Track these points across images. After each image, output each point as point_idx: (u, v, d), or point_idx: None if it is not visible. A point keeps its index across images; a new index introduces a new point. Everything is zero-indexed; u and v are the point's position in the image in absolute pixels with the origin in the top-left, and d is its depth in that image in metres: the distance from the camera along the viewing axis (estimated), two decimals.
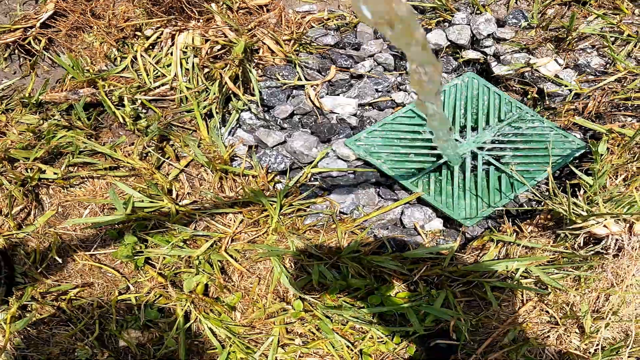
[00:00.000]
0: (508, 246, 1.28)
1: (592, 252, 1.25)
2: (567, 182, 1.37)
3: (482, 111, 1.50)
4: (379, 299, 1.22)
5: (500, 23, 1.63)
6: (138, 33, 1.64)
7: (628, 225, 1.24)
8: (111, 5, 1.69)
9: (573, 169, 1.37)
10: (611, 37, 1.59)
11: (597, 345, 1.21)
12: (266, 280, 1.28)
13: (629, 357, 1.22)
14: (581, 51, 1.55)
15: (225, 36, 1.59)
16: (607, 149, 1.37)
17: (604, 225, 1.23)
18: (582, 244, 1.26)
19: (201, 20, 1.63)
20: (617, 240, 1.24)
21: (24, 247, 1.36)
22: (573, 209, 1.24)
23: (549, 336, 1.21)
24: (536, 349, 1.20)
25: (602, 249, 1.25)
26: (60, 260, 1.34)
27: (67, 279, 1.35)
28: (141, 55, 1.60)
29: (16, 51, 1.72)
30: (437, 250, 1.30)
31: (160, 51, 1.61)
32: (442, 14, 1.66)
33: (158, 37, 1.63)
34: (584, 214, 1.20)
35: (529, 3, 1.66)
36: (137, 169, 1.44)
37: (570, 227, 1.24)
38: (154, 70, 1.59)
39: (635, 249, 1.23)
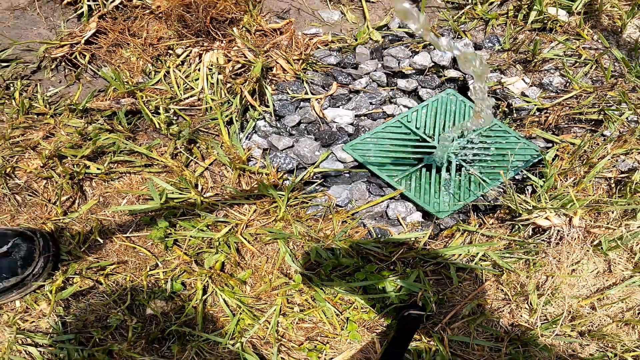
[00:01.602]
0: (472, 235, 1.44)
1: (538, 241, 1.43)
2: (526, 182, 1.54)
3: (458, 122, 1.69)
4: (364, 275, 1.39)
5: (478, 46, 1.79)
6: (170, 51, 1.80)
7: (568, 218, 1.43)
8: (145, 25, 1.84)
9: (525, 172, 1.53)
10: (570, 60, 1.71)
11: (542, 318, 1.40)
12: (273, 259, 1.44)
13: (571, 330, 1.42)
14: (545, 72, 1.70)
15: (245, 56, 1.75)
16: (557, 156, 1.53)
17: (546, 218, 1.43)
18: (530, 234, 1.43)
19: (224, 42, 1.78)
20: (558, 231, 1.43)
21: (69, 230, 1.51)
22: (521, 205, 1.44)
23: (503, 310, 1.36)
24: (492, 321, 1.37)
25: (546, 238, 1.43)
26: (101, 241, 1.48)
27: (105, 257, 1.49)
28: (173, 71, 1.75)
29: (62, 63, 1.85)
30: (413, 237, 1.46)
31: (189, 67, 1.76)
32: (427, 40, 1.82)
33: (187, 55, 1.78)
34: (530, 208, 1.40)
35: (503, 29, 1.80)
36: (169, 167, 1.59)
37: (518, 219, 1.44)
38: (183, 84, 1.74)
39: (574, 239, 1.41)
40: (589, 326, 1.37)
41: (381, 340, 1.36)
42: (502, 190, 1.53)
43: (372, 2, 1.93)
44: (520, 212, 1.40)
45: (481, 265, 1.40)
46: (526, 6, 1.79)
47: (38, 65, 1.85)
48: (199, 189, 1.58)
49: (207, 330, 1.40)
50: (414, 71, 1.79)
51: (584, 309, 1.38)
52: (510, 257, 1.40)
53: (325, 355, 1.36)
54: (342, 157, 1.64)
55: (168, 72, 1.79)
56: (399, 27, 1.86)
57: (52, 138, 1.67)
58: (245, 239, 1.48)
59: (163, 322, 1.42)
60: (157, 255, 1.50)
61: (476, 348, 1.34)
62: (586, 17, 1.80)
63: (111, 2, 1.90)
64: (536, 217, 1.38)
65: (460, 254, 1.41)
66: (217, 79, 1.74)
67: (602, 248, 1.41)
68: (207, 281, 1.45)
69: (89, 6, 1.92)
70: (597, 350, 1.35)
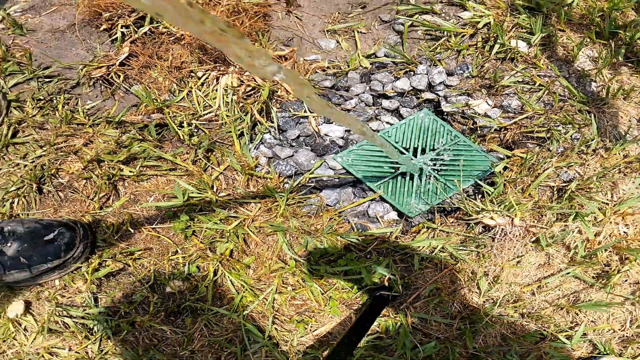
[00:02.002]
0: (435, 231, 1.68)
1: (487, 237, 1.66)
2: (482, 188, 1.76)
3: (430, 138, 1.90)
4: (345, 261, 1.64)
5: (450, 73, 2.01)
6: (192, 74, 2.03)
7: (511, 219, 1.69)
8: (171, 50, 2.08)
9: (477, 181, 1.78)
10: (526, 86, 1.94)
11: (489, 301, 1.64)
12: (272, 248, 1.69)
13: (514, 311, 1.67)
14: (505, 95, 1.92)
15: (255, 80, 1.99)
16: (506, 167, 1.78)
17: (491, 218, 1.69)
18: (481, 231, 1.70)
19: (237, 67, 2.04)
20: (502, 229, 1.69)
21: (104, 222, 1.76)
22: (472, 207, 1.71)
23: (456, 293, 1.60)
24: (447, 302, 1.59)
25: (493, 235, 1.69)
26: (131, 231, 1.73)
27: (134, 244, 1.73)
28: (194, 90, 1.99)
29: (99, 81, 2.09)
30: (387, 232, 1.72)
31: (208, 88, 2.00)
32: (408, 66, 2.03)
33: (206, 78, 2.01)
34: (478, 210, 1.67)
35: (472, 58, 2.02)
36: (190, 171, 1.83)
37: (470, 219, 1.71)
38: (203, 102, 1.97)
39: (515, 236, 1.67)
40: (529, 309, 1.59)
41: (357, 315, 1.60)
42: (466, 195, 1.79)
43: (363, 33, 2.16)
44: (471, 213, 1.67)
45: (440, 255, 1.63)
46: (492, 39, 2.02)
47: (77, 82, 2.08)
48: (215, 189, 1.81)
49: (216, 306, 1.63)
50: (395, 93, 2.02)
51: (526, 294, 1.59)
52: (464, 250, 1.64)
53: (311, 327, 1.60)
54: (333, 165, 1.89)
55: (190, 92, 2.01)
56: (385, 56, 2.08)
57: (91, 145, 1.90)
58: (250, 231, 1.72)
59: (179, 299, 1.66)
60: (178, 244, 1.73)
61: (433, 324, 1.58)
62: (544, 48, 2.00)
63: (141, 29, 2.14)
64: (483, 217, 1.65)
65: (424, 246, 1.65)
66: (232, 99, 1.97)
67: (541, 244, 1.61)
68: (218, 265, 1.68)
69: (122, 32, 2.15)
70: (535, 329, 1.56)
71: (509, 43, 2.01)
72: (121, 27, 2.17)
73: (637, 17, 2.01)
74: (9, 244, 1.62)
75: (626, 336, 1.56)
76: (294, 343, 1.59)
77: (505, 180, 1.73)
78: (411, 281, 1.63)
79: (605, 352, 1.55)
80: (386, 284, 1.60)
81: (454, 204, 1.75)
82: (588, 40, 2.03)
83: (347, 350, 1.41)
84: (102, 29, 2.20)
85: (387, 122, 1.98)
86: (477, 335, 1.56)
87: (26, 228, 1.66)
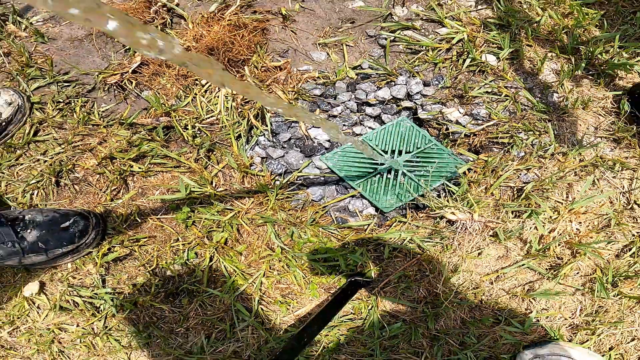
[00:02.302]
0: (405, 225, 1.83)
1: (449, 230, 1.81)
2: (449, 187, 1.92)
3: (406, 142, 2.06)
4: (325, 249, 1.80)
5: (426, 84, 2.16)
6: (197, 81, 2.19)
7: (471, 214, 1.86)
8: None
9: (444, 181, 1.94)
10: (494, 96, 2.10)
11: (451, 288, 1.76)
12: (262, 237, 1.84)
13: (474, 297, 1.84)
14: (475, 104, 2.07)
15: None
16: (470, 169, 1.94)
17: (452, 214, 1.87)
18: (444, 225, 1.85)
19: (237, 77, 2.19)
20: (463, 223, 1.86)
21: (115, 212, 1.93)
22: (436, 203, 1.87)
23: (422, 280, 1.75)
24: (414, 287, 1.73)
25: (455, 228, 1.83)
26: (138, 220, 1.90)
27: (140, 232, 1.89)
28: (199, 97, 2.15)
29: (113, 87, 2.26)
30: (364, 225, 1.88)
31: (210, 94, 2.16)
32: (390, 77, 2.19)
33: (209, 86, 2.18)
34: (441, 206, 1.85)
35: (447, 70, 2.17)
36: (192, 168, 1.99)
37: (435, 213, 1.88)
38: (206, 107, 2.13)
39: (475, 230, 1.83)
40: (487, 296, 1.73)
41: (332, 297, 1.77)
42: (437, 193, 1.96)
43: (351, 46, 2.31)
44: (435, 208, 1.85)
45: (409, 246, 1.78)
46: (466, 53, 2.17)
47: (93, 87, 2.26)
48: (213, 185, 1.97)
49: (210, 288, 1.79)
50: (377, 102, 2.18)
51: (485, 283, 1.74)
52: (430, 242, 1.78)
53: (293, 307, 1.76)
54: (319, 165, 2.05)
55: (195, 98, 2.17)
56: (369, 67, 2.24)
57: (105, 144, 2.08)
58: (243, 222, 1.87)
59: (178, 282, 1.82)
60: (179, 232, 1.89)
61: (401, 307, 1.73)
62: (512, 62, 2.16)
63: None
64: (445, 212, 1.82)
65: (395, 238, 1.80)
66: (231, 105, 2.13)
67: (500, 238, 1.76)
68: (214, 252, 1.83)
69: None
70: (491, 314, 1.71)
71: (480, 57, 2.16)
72: None
73: (600, 33, 2.17)
74: (28, 231, 1.78)
75: (575, 323, 1.70)
76: (277, 322, 1.76)
77: (469, 181, 1.89)
78: (382, 268, 1.77)
79: (555, 337, 1.68)
80: (358, 270, 1.78)
81: (422, 201, 1.92)
82: (553, 54, 2.18)
83: (320, 324, 1.58)
84: (117, 39, 2.37)
85: (370, 127, 2.13)
86: (438, 318, 1.72)
87: (45, 216, 1.83)
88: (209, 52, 2.24)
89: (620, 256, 1.77)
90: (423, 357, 1.68)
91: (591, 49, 2.11)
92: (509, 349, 1.69)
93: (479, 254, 1.79)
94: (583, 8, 2.24)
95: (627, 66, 2.05)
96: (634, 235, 1.79)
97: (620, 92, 2.04)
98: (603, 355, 1.65)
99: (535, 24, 2.23)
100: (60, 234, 1.82)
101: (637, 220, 1.81)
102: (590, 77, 2.11)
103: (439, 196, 1.89)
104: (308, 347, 1.71)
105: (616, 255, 1.78)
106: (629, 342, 1.67)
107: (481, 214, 1.81)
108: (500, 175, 1.88)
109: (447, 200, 1.84)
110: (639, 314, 1.69)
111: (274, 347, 1.74)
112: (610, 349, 1.67)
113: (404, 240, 1.82)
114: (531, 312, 1.72)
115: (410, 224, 1.85)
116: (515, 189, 1.88)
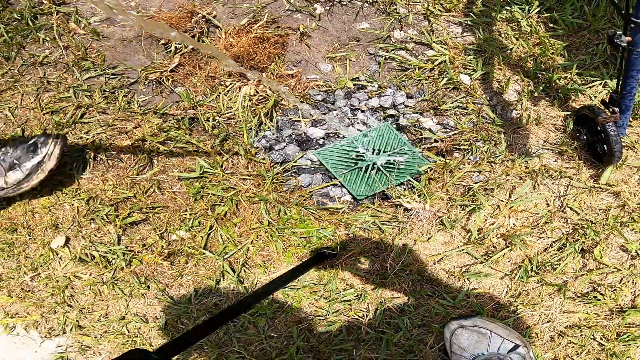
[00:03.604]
0: (371, 210, 2.06)
1: (405, 217, 2.02)
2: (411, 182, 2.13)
3: (386, 143, 2.26)
4: (303, 225, 2.02)
5: (410, 96, 2.37)
6: (221, 83, 2.44)
7: (423, 204, 2.09)
8: (209, 63, 2.51)
9: (408, 177, 2.15)
10: (463, 110, 2.32)
11: (401, 265, 1.95)
12: (255, 212, 2.07)
13: (418, 275, 2.03)
14: (446, 116, 2.28)
15: (266, 92, 2.39)
16: (431, 169, 2.14)
17: (408, 202, 2.09)
18: (402, 212, 2.05)
19: (254, 81, 2.43)
20: (417, 211, 2.04)
21: (138, 184, 2.21)
22: (396, 193, 2.08)
23: (378, 256, 1.96)
24: (371, 262, 1.95)
25: (410, 215, 2.03)
26: (157, 192, 2.16)
27: (156, 202, 2.15)
28: (222, 95, 2.39)
29: (152, 82, 2.53)
30: (339, 207, 2.11)
31: (232, 94, 2.40)
32: (380, 89, 2.42)
33: (232, 86, 2.42)
34: (399, 196, 2.08)
35: (428, 86, 2.39)
36: (208, 153, 2.24)
37: (395, 202, 2.09)
38: (226, 104, 2.37)
39: (425, 217, 2.02)
40: (429, 273, 1.93)
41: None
42: (403, 187, 2.17)
43: (353, 61, 2.54)
44: (395, 198, 2.08)
45: (371, 227, 2.01)
46: (445, 72, 2.39)
47: (135, 80, 2.54)
48: (223, 167, 2.21)
49: (206, 251, 2.03)
50: (368, 109, 2.39)
51: (429, 263, 1.94)
52: (389, 225, 2.00)
53: (269, 271, 1.99)
54: (311, 158, 2.26)
55: (218, 96, 2.41)
56: (365, 80, 2.47)
57: (139, 128, 2.34)
58: (242, 199, 2.11)
59: (180, 244, 2.06)
60: (188, 204, 2.13)
61: (357, 276, 1.95)
62: (483, 82, 2.35)
63: (190, 46, 2.59)
64: (402, 201, 2.05)
65: (360, 220, 2.03)
66: (247, 104, 2.37)
67: (446, 226, 1.99)
68: (214, 222, 2.07)
69: (175, 47, 2.60)
70: (429, 288, 1.92)
71: (457, 77, 2.38)
72: (175, 43, 2.62)
73: (562, 62, 2.37)
74: (8, 155, 2.16)
75: (500, 303, 1.88)
76: (254, 281, 1.98)
77: (429, 178, 2.11)
78: (347, 244, 1.99)
79: (479, 312, 1.86)
80: (326, 244, 2.03)
81: (387, 192, 2.13)
82: (518, 77, 2.38)
83: (284, 282, 1.79)
84: (160, 42, 2.67)
85: (359, 129, 2.35)
86: (386, 288, 1.92)
87: (17, 144, 2.19)
88: (235, 59, 2.52)
89: (548, 250, 1.95)
90: (367, 319, 1.89)
91: (550, 75, 2.30)
92: (440, 320, 1.86)
93: (429, 238, 1.99)
94: (551, 39, 2.43)
95: (578, 91, 2.25)
96: (563, 233, 1.98)
97: (570, 112, 2.23)
98: (520, 332, 1.81)
99: (508, 51, 2.43)
100: (27, 148, 2.15)
101: (567, 220, 1.99)
102: (547, 98, 2.28)
103: (405, 190, 2.13)
104: (275, 303, 1.95)
105: (545, 249, 1.96)
106: (544, 324, 1.83)
107: (432, 205, 2.02)
108: (455, 175, 2.10)
109: (407, 192, 2.08)
110: (557, 300, 1.87)
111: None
112: (527, 327, 1.83)
113: (368, 222, 2.04)
114: (463, 289, 1.92)
115: (375, 209, 2.07)
116: (466, 187, 2.09)
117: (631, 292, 1.88)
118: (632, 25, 1.68)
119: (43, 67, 2.63)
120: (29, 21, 2.78)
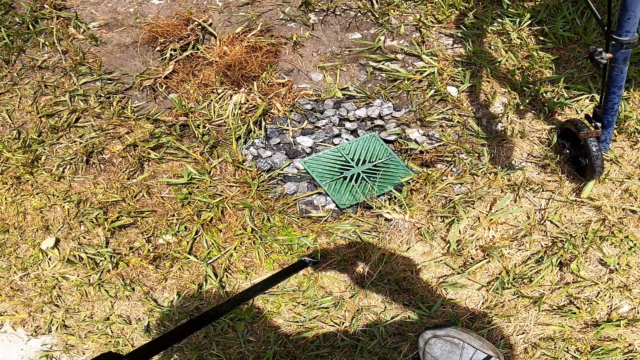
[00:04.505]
0: (353, 219, 2.09)
1: (385, 227, 2.05)
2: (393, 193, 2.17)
3: (372, 153, 2.29)
4: (285, 233, 2.06)
5: (397, 108, 2.40)
6: (214, 90, 2.48)
7: (403, 215, 2.11)
8: (202, 71, 2.56)
9: (391, 188, 2.18)
10: (448, 122, 2.34)
11: (378, 273, 1.99)
12: (240, 219, 2.12)
13: (396, 283, 2.07)
14: (431, 127, 2.30)
15: (256, 100, 2.43)
16: (413, 179, 2.16)
17: (388, 212, 2.12)
18: (383, 223, 2.08)
19: (246, 90, 2.47)
20: (398, 221, 2.08)
21: (128, 187, 2.27)
22: (377, 204, 2.11)
23: (358, 265, 2.00)
24: (349, 270, 1.99)
25: (389, 225, 2.06)
26: (146, 197, 2.21)
27: (145, 206, 2.20)
28: (213, 103, 2.43)
29: (147, 88, 2.59)
30: (322, 216, 2.15)
31: (223, 101, 2.43)
32: (368, 100, 2.45)
33: (223, 94, 2.46)
34: (380, 206, 2.11)
35: (416, 97, 2.41)
36: (197, 159, 2.28)
37: (376, 212, 2.14)
38: (217, 111, 2.41)
39: (405, 228, 2.05)
40: (407, 282, 1.97)
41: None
42: (387, 197, 2.22)
43: (344, 70, 2.58)
44: (376, 208, 2.11)
45: (352, 237, 2.05)
46: (433, 84, 2.42)
47: (130, 86, 2.60)
48: (211, 174, 2.26)
49: (191, 255, 2.09)
50: (355, 119, 2.42)
51: (407, 272, 1.97)
52: (369, 234, 2.04)
53: (251, 277, 2.03)
54: (298, 166, 2.30)
55: (210, 103, 2.46)
56: (354, 90, 2.50)
57: (132, 133, 2.39)
58: (227, 206, 2.15)
59: (166, 248, 2.11)
60: (175, 209, 2.19)
61: (336, 284, 1.99)
62: (470, 94, 2.38)
63: (184, 53, 2.65)
64: (382, 211, 2.08)
65: (341, 229, 2.06)
66: (237, 112, 2.41)
67: (426, 237, 2.01)
68: (200, 227, 2.12)
69: (170, 53, 2.65)
70: (406, 298, 1.95)
71: (444, 89, 2.41)
72: (170, 50, 2.68)
73: (549, 75, 2.39)
74: None
75: (475, 314, 1.90)
76: (235, 287, 2.03)
77: (411, 189, 2.14)
78: (328, 253, 2.03)
79: (453, 322, 1.89)
80: (318, 256, 2.04)
81: (368, 202, 2.16)
82: (505, 90, 2.40)
83: (263, 287, 1.83)
84: (156, 49, 2.72)
85: (346, 139, 2.38)
86: (363, 297, 1.96)
87: None
88: (228, 68, 2.57)
89: (526, 262, 1.98)
90: (343, 326, 1.92)
91: (537, 88, 2.33)
92: (415, 329, 1.89)
93: (408, 249, 2.03)
94: (541, 52, 2.45)
95: (564, 104, 2.26)
96: (542, 246, 2.00)
97: (555, 126, 2.25)
98: (494, 343, 1.84)
99: (497, 64, 2.46)
100: None
101: (547, 233, 2.02)
102: (533, 111, 2.31)
103: (386, 200, 2.15)
104: (254, 308, 1.98)
105: (523, 261, 1.98)
106: (518, 335, 1.85)
107: (412, 216, 2.06)
108: (437, 187, 2.13)
109: (387, 203, 2.11)
110: (532, 312, 1.89)
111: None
112: (501, 338, 1.85)
113: (349, 231, 2.07)
114: (439, 299, 1.94)
115: (357, 219, 2.10)
116: (447, 199, 2.11)
117: (607, 306, 1.89)
118: (614, 42, 1.69)
119: (41, 71, 2.70)
120: (30, 25, 2.86)
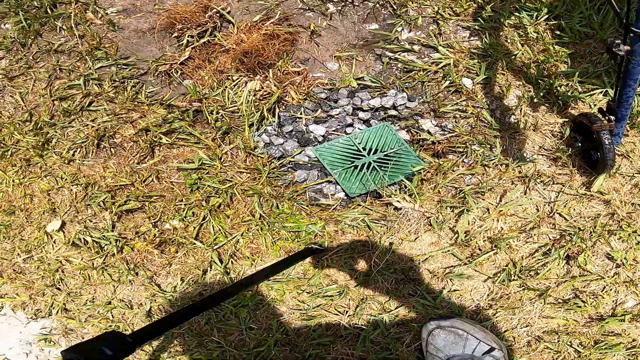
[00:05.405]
0: (362, 208, 2.11)
1: (394, 215, 2.07)
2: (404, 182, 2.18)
3: (383, 142, 2.31)
4: (294, 220, 2.08)
5: (410, 99, 2.42)
6: (229, 77, 2.51)
7: (413, 204, 2.12)
8: (218, 58, 2.58)
9: (402, 177, 2.20)
10: (462, 113, 2.35)
11: (385, 262, 2.00)
12: (248, 205, 2.14)
13: (402, 274, 2.07)
14: (445, 118, 2.31)
15: (271, 88, 2.45)
16: (424, 169, 2.19)
17: (398, 201, 2.13)
18: (392, 211, 2.10)
19: (262, 77, 2.49)
20: (407, 210, 2.09)
21: (137, 172, 2.30)
22: (387, 192, 2.13)
23: (365, 254, 2.01)
24: (356, 258, 2.01)
25: (399, 214, 2.08)
26: (155, 182, 2.23)
27: (153, 191, 2.22)
28: (228, 89, 2.46)
29: (162, 74, 2.62)
30: (331, 204, 2.17)
31: (237, 88, 2.46)
32: (383, 90, 2.46)
33: (238, 81, 2.49)
34: (390, 194, 2.12)
35: (431, 88, 2.43)
36: (209, 145, 2.30)
37: (386, 201, 2.15)
38: (231, 98, 2.43)
39: (414, 217, 2.06)
40: (413, 272, 1.97)
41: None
42: (398, 186, 2.22)
43: (359, 60, 2.59)
44: (385, 197, 2.13)
45: (360, 225, 2.06)
46: (448, 75, 2.44)
47: (146, 72, 2.63)
48: (222, 160, 2.28)
49: (197, 241, 2.10)
50: (369, 108, 2.43)
51: (414, 262, 1.98)
52: (378, 223, 2.05)
53: (256, 263, 2.05)
54: (309, 154, 2.32)
55: (224, 90, 2.49)
56: (370, 80, 2.51)
57: (144, 118, 2.42)
58: (237, 192, 2.17)
59: (172, 233, 2.13)
60: (184, 195, 2.21)
61: (341, 272, 2.00)
62: (484, 86, 2.38)
63: (201, 40, 2.68)
64: (392, 200, 2.10)
65: (350, 217, 2.08)
66: (251, 99, 2.44)
67: (434, 227, 2.02)
68: (207, 213, 2.14)
69: (188, 40, 2.69)
70: (411, 287, 1.96)
71: (459, 80, 2.42)
72: (187, 36, 2.71)
73: (566, 69, 2.39)
74: None
75: (481, 305, 1.91)
76: (240, 273, 2.04)
77: (422, 179, 2.15)
78: (335, 241, 2.05)
79: (458, 313, 1.89)
80: (326, 243, 2.06)
81: (379, 191, 2.17)
82: (519, 83, 2.40)
83: (269, 273, 1.85)
84: (173, 35, 2.76)
85: (359, 128, 2.40)
86: (368, 286, 1.96)
87: None
88: (244, 55, 2.60)
89: (533, 255, 1.98)
90: (347, 315, 1.93)
91: (551, 82, 2.33)
92: (419, 319, 1.89)
93: (416, 238, 2.03)
94: (557, 47, 2.45)
95: (577, 98, 2.26)
96: (549, 239, 2.00)
97: (568, 119, 2.25)
98: (497, 336, 1.84)
99: (512, 57, 2.46)
100: None
101: (555, 226, 2.02)
102: (547, 104, 2.31)
103: (396, 189, 2.17)
104: (258, 295, 2.00)
105: (530, 253, 1.98)
106: (522, 328, 1.85)
107: (421, 205, 2.07)
108: (448, 177, 2.14)
109: (398, 192, 2.12)
110: (537, 305, 1.89)
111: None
112: (505, 331, 1.86)
113: (357, 220, 2.09)
114: (444, 290, 1.96)
115: (366, 207, 2.12)
116: (458, 189, 2.12)
117: (613, 300, 1.89)
118: (632, 34, 1.70)
119: (57, 55, 2.74)
120: (48, 9, 2.90)
